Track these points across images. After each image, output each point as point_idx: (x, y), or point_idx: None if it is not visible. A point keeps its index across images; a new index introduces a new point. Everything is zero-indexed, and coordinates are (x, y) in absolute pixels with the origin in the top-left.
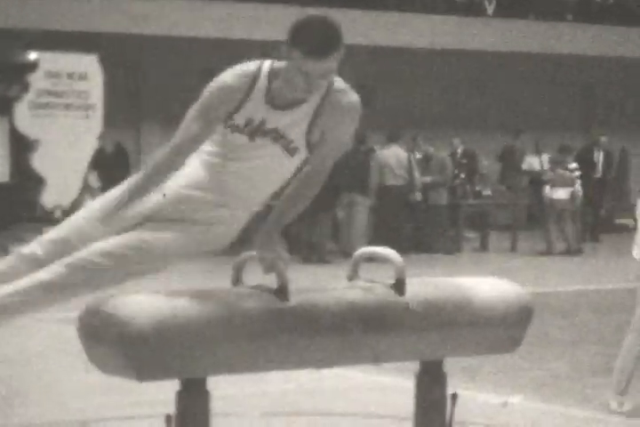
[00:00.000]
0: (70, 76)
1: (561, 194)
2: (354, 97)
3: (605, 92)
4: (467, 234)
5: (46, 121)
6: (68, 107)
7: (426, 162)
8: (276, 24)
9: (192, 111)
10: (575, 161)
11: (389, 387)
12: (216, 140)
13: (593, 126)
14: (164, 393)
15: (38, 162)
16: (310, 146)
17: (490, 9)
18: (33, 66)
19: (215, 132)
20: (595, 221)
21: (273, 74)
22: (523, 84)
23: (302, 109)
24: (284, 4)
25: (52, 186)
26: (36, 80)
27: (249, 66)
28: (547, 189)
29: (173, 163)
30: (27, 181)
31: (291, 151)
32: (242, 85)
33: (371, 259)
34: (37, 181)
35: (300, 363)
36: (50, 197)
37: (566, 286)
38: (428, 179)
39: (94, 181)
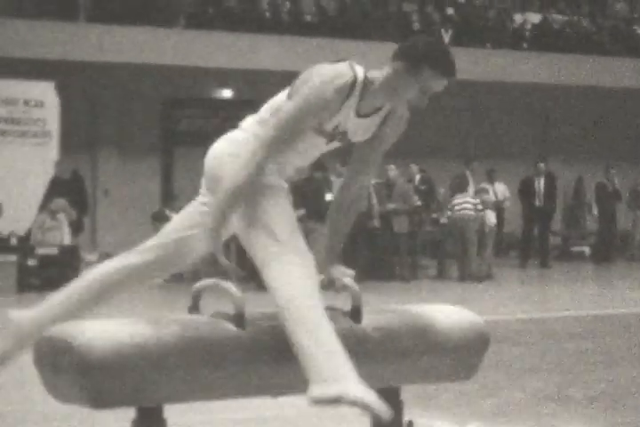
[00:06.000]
0: (26, 103)
1: (490, 216)
2: (407, 111)
3: (561, 120)
4: (423, 262)
5: (2, 148)
6: (24, 134)
7: (388, 189)
8: (235, 52)
9: (288, 115)
10: (519, 191)
11: (346, 415)
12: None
13: (546, 154)
14: (120, 421)
15: None
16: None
17: (446, 37)
18: None
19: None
20: (545, 248)
21: (367, 85)
22: (478, 112)
23: (378, 116)
24: (243, 32)
25: (8, 213)
26: None
27: (346, 76)
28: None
29: (263, 160)
30: None
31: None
32: (339, 98)
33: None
34: None
35: (257, 391)
36: (5, 225)
37: (520, 313)
38: (391, 206)
39: (68, 208)
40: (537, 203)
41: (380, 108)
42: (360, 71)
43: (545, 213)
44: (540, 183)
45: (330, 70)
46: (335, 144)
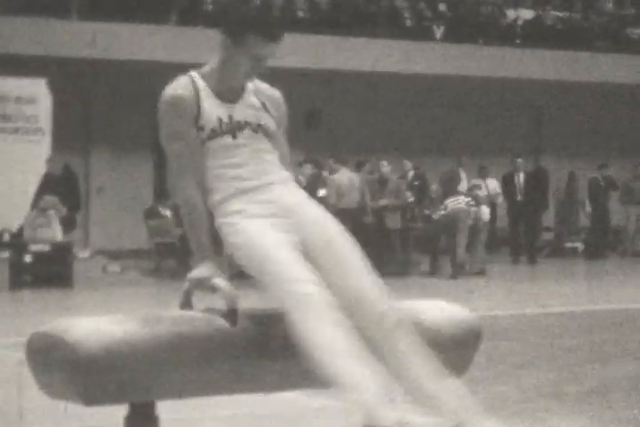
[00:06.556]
0: (19, 100)
1: (484, 212)
2: (276, 90)
3: (553, 116)
4: (416, 258)
5: None
6: (16, 131)
7: (381, 185)
8: None
9: (166, 143)
10: (501, 185)
11: (340, 412)
12: (212, 172)
13: (539, 150)
14: (112, 418)
15: None
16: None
17: (438, 33)
18: None
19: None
20: (532, 244)
21: (205, 75)
22: (471, 108)
23: (248, 96)
24: None
25: (0, 210)
26: None
27: (179, 79)
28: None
29: (193, 192)
30: None
31: (270, 135)
32: (187, 92)
33: None
34: None
35: (250, 387)
36: None
37: (512, 309)
38: (384, 202)
39: (59, 205)
40: (518, 198)
41: (240, 89)
42: (191, 72)
43: (527, 208)
44: (520, 178)
45: (163, 94)
46: (246, 135)
